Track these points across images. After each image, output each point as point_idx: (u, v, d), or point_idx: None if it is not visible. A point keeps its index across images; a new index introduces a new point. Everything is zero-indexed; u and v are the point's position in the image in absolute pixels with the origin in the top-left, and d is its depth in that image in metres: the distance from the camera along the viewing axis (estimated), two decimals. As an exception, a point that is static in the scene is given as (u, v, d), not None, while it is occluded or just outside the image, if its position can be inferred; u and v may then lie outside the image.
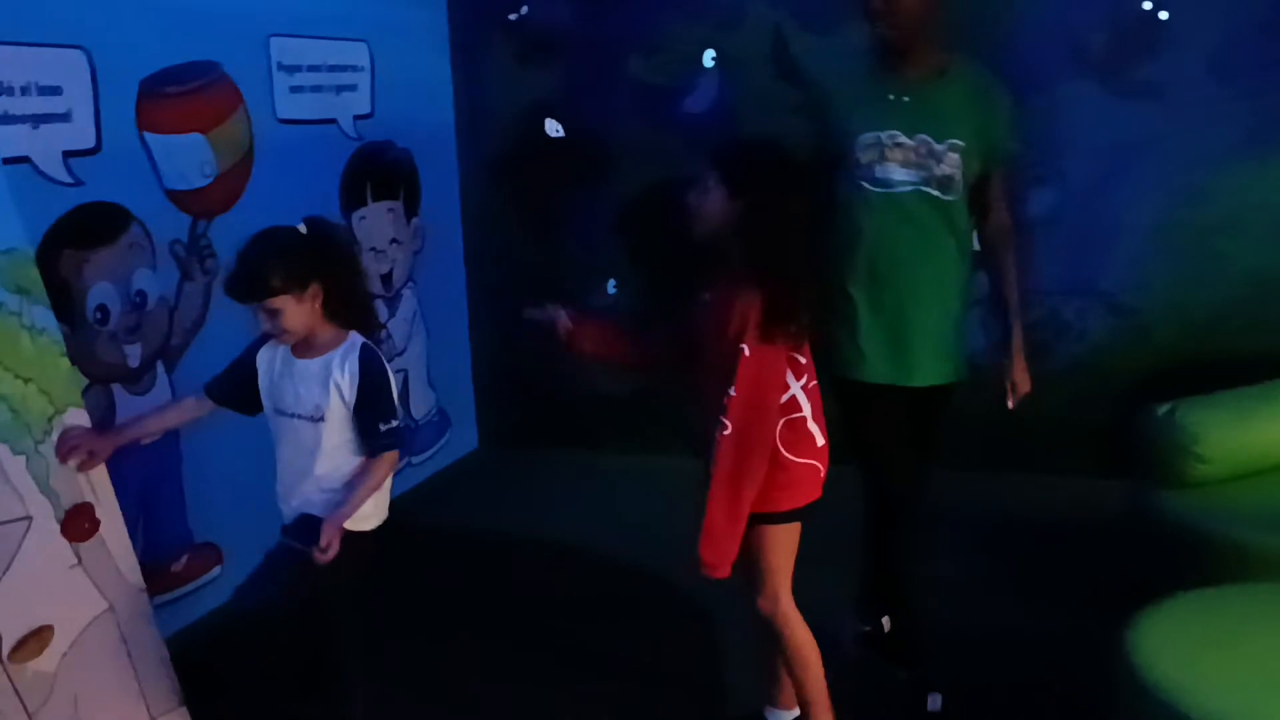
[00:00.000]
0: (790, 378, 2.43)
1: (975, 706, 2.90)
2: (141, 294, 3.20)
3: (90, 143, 3.00)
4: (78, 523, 2.44)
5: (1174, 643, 2.34)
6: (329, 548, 2.33)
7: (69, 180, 2.94)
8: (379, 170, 4.36)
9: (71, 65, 2.93)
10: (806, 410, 2.47)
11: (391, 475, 2.52)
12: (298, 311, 2.37)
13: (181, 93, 3.30)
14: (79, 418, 2.46)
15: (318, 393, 2.41)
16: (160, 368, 3.28)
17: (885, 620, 3.08)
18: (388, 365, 2.49)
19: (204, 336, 3.37)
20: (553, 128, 4.85)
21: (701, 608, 3.41)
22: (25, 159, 2.80)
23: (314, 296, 2.38)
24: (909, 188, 2.77)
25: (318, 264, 2.39)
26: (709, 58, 4.60)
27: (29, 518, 2.34)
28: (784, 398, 2.42)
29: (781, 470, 2.43)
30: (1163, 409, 3.40)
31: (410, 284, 4.61)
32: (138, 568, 2.60)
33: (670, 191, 2.52)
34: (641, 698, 3.05)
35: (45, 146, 2.86)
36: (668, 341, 2.63)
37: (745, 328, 2.33)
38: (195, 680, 2.72)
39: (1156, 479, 3.37)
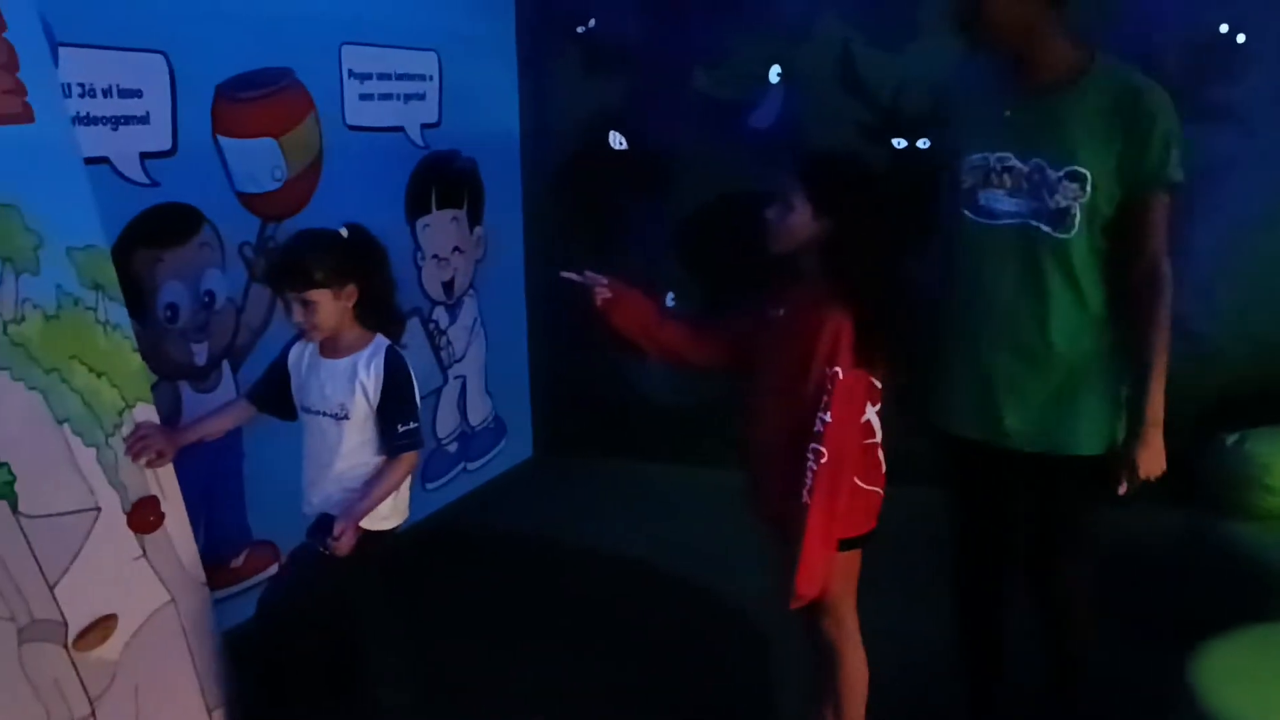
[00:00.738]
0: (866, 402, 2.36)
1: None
2: (210, 294, 3.25)
3: (166, 145, 3.07)
4: (143, 515, 2.48)
5: (1237, 675, 2.31)
6: (341, 536, 2.41)
7: (145, 181, 3.00)
8: (444, 178, 4.41)
9: (151, 69, 3.00)
10: (878, 436, 2.40)
11: (411, 477, 2.58)
12: (332, 308, 2.46)
13: (255, 97, 3.36)
14: (148, 412, 2.51)
15: (343, 391, 2.50)
16: (226, 367, 3.34)
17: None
18: (411, 369, 2.55)
19: (268, 338, 3.41)
20: (616, 140, 4.88)
21: (750, 625, 3.39)
22: (105, 159, 2.87)
23: (349, 296, 2.48)
24: (1014, 220, 2.37)
25: (357, 266, 2.49)
26: (775, 73, 4.59)
27: (98, 508, 2.38)
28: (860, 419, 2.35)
29: (853, 496, 2.35)
30: (1231, 438, 3.34)
31: (471, 292, 4.65)
32: (199, 562, 2.64)
33: (745, 204, 2.46)
34: (686, 712, 3.04)
35: (124, 147, 2.94)
36: (719, 342, 2.58)
37: (838, 350, 2.24)
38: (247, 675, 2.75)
39: (1223, 509, 3.31)
